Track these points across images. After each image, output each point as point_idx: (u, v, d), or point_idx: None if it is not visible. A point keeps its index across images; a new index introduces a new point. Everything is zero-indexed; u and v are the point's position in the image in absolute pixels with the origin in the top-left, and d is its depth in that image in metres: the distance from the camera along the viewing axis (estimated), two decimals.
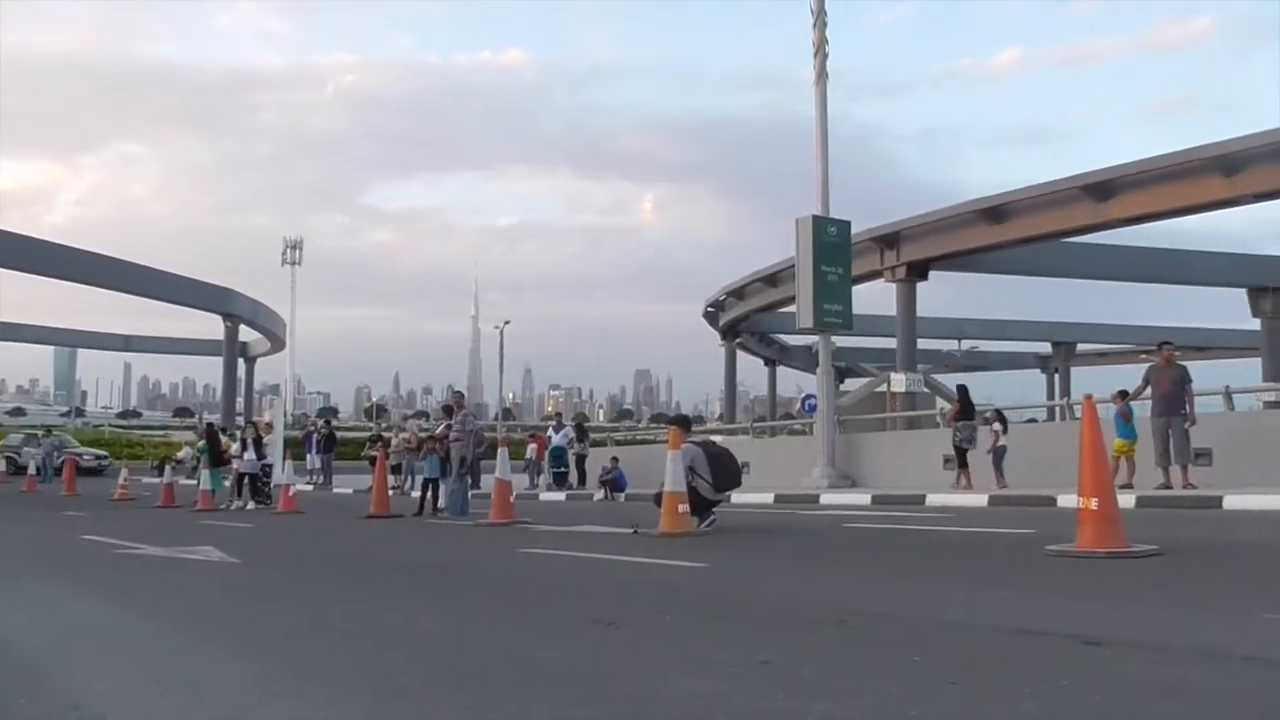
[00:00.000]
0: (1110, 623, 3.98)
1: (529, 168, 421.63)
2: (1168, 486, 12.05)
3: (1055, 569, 5.88)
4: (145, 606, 5.44)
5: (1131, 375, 13.46)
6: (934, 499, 13.77)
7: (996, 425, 15.11)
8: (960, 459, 15.26)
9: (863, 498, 14.76)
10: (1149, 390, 12.75)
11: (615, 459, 20.51)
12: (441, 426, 15.37)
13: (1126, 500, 9.77)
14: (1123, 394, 13.28)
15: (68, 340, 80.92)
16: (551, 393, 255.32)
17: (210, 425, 23.80)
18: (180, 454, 36.29)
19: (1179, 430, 12.20)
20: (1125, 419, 13.18)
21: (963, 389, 16.70)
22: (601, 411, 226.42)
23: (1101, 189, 26.24)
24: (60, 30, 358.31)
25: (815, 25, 17.53)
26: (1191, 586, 5.21)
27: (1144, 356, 63.18)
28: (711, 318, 50.03)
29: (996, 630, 3.83)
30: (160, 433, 73.63)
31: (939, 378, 47.67)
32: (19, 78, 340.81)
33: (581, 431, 24.48)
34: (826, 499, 15.28)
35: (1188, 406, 12.35)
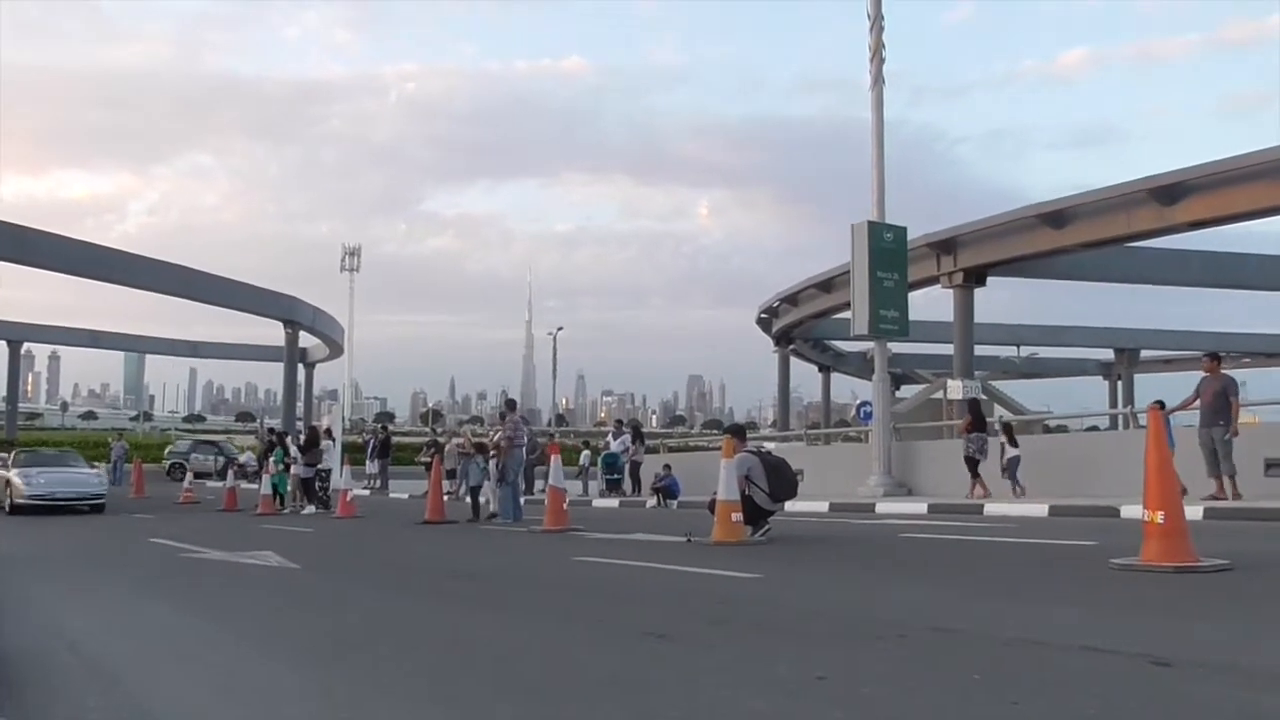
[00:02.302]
0: (1179, 641, 3.87)
1: (587, 174, 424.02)
2: (1218, 498, 11.84)
3: (1120, 583, 5.74)
4: (210, 612, 5.55)
5: (1198, 382, 13.18)
6: (992, 508, 13.53)
7: (1003, 439, 15.54)
8: (972, 469, 15.59)
9: (919, 506, 14.55)
10: (1199, 401, 12.62)
11: (668, 466, 20.47)
12: (494, 433, 15.50)
13: (1194, 512, 9.51)
14: (1159, 404, 13.23)
15: (139, 346, 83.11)
16: (604, 399, 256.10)
17: (276, 431, 24.24)
18: (242, 458, 37.20)
19: (1219, 441, 12.11)
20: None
21: (974, 403, 17.07)
22: (654, 417, 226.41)
23: (1168, 192, 25.59)
24: (135, 46, 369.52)
25: (872, 29, 17.37)
26: (1264, 603, 5.05)
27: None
28: (765, 324, 49.75)
29: (1060, 648, 3.74)
30: (223, 437, 75.24)
31: (998, 384, 46.96)
32: (97, 92, 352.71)
33: (639, 436, 24.42)
34: (882, 508, 15.10)
35: (1230, 417, 12.23)
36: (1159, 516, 5.99)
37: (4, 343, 65.42)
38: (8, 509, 17.72)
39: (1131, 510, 10.40)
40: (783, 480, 9.39)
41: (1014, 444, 15.52)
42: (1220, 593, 5.33)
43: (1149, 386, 56.24)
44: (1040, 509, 12.75)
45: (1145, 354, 59.52)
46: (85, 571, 8.14)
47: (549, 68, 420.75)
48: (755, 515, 9.17)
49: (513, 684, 3.34)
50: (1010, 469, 15.24)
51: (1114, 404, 55.72)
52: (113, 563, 9.01)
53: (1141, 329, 56.77)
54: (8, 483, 18.06)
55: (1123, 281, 37.17)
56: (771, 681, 3.25)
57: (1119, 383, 60.44)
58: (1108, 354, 61.34)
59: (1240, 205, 24.70)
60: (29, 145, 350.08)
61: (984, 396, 30.33)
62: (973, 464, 15.51)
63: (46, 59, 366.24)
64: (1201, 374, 13.12)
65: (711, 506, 9.31)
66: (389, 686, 3.38)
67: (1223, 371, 12.95)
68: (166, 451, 42.99)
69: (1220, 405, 12.28)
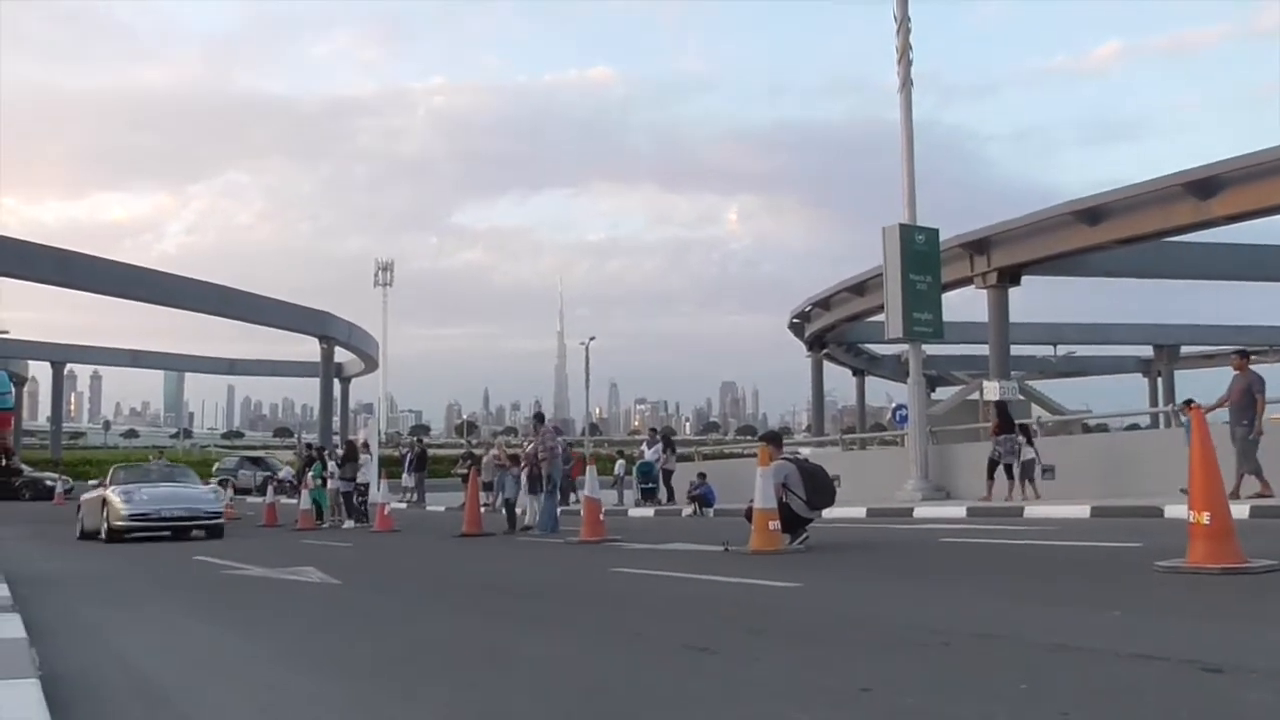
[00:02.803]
0: (1230, 646, 3.80)
1: (615, 183, 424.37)
2: (1264, 495, 11.78)
3: (1167, 586, 5.65)
4: (254, 629, 5.62)
5: (1262, 376, 13.01)
6: (1033, 511, 13.38)
7: (1020, 439, 15.61)
8: (990, 471, 15.61)
9: (958, 510, 14.42)
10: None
11: (703, 474, 20.44)
12: (527, 445, 15.58)
13: (1240, 511, 9.33)
14: (1188, 403, 13.36)
15: (178, 365, 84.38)
16: (638, 407, 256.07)
17: (313, 446, 24.49)
18: (281, 473, 37.66)
19: (1240, 439, 12.09)
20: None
21: (1001, 405, 17.06)
22: (688, 424, 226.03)
23: (1204, 186, 25.18)
24: (168, 67, 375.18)
25: (899, 32, 17.31)
26: None
27: (1254, 358, 60.56)
28: (797, 329, 49.54)
29: (1108, 654, 3.68)
30: (262, 452, 76.18)
31: (1035, 384, 46.40)
32: (132, 114, 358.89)
33: (669, 445, 24.42)
34: (920, 512, 14.97)
35: (1254, 415, 12.24)
36: (1205, 517, 5.89)
37: (48, 364, 66.69)
38: (104, 535, 14.79)
39: (1176, 510, 10.24)
40: (820, 487, 9.34)
41: (1031, 445, 15.68)
42: (1270, 595, 5.24)
43: (1189, 383, 55.29)
44: (1082, 510, 12.59)
45: (1185, 350, 58.58)
46: (131, 590, 8.26)
47: (575, 78, 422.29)
48: (793, 523, 9.13)
49: (555, 699, 3.35)
50: (1027, 470, 15.35)
51: (1154, 401, 54.86)
52: (158, 581, 9.14)
53: (1181, 324, 55.88)
54: (104, 503, 15.07)
55: (1160, 277, 36.65)
56: (815, 693, 3.23)
57: (1159, 380, 59.54)
58: (1147, 351, 60.45)
59: (1278, 197, 24.27)
60: (68, 169, 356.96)
61: (1021, 397, 30.11)
62: (993, 465, 15.62)
63: (82, 83, 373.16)
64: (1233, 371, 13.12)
65: (748, 515, 9.28)
66: (431, 703, 3.40)
67: (1250, 368, 12.95)
68: (215, 469, 43.57)
69: (1246, 403, 12.32)
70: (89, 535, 15.67)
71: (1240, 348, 13.52)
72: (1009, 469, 15.51)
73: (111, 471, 16.76)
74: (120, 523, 14.60)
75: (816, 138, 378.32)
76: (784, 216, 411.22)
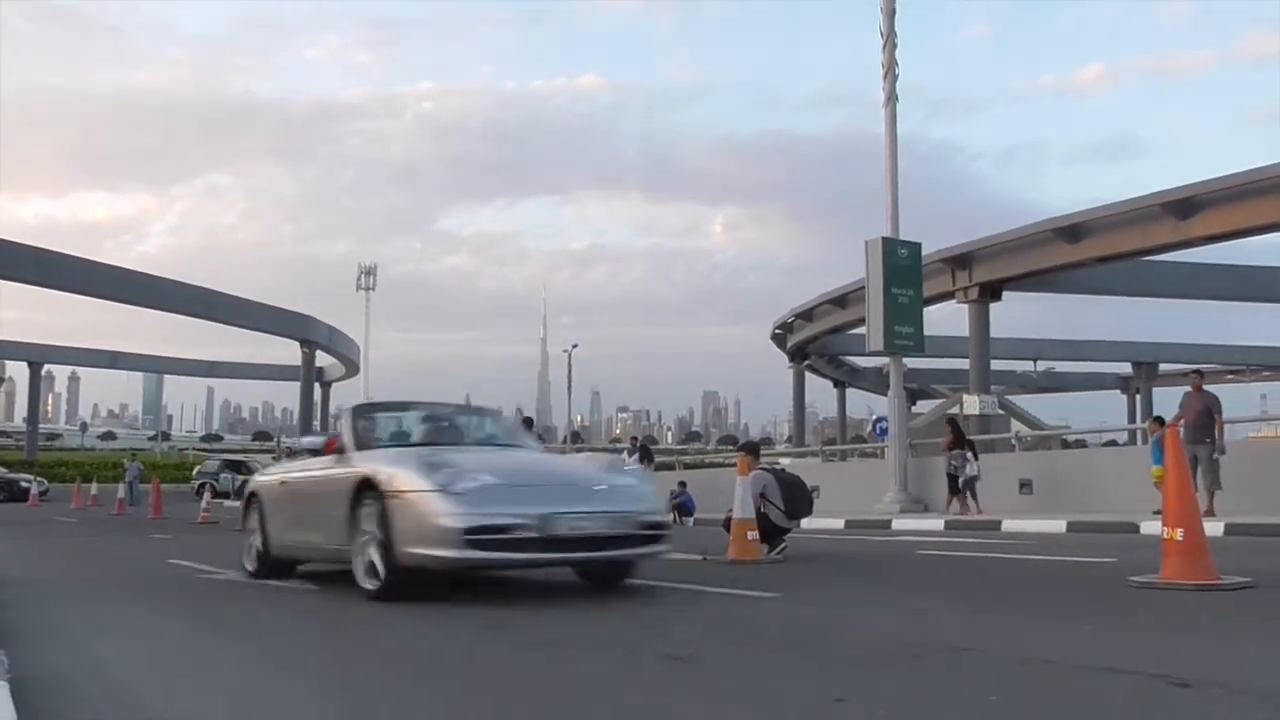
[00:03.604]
0: (1199, 661, 3.85)
1: (602, 191, 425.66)
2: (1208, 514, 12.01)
3: (1139, 602, 5.70)
4: (229, 634, 5.58)
5: (1218, 396, 13.29)
6: (1010, 525, 13.47)
7: (968, 454, 16.19)
8: (952, 486, 16.25)
9: (936, 523, 14.49)
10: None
11: (683, 483, 20.47)
12: None
13: (1214, 528, 9.43)
14: (1158, 420, 13.78)
15: (158, 367, 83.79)
16: (620, 415, 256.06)
17: (293, 450, 24.27)
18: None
19: (1205, 458, 12.40)
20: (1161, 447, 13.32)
21: (954, 421, 17.58)
22: (669, 434, 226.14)
23: (1183, 206, 25.50)
24: (157, 69, 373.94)
25: (885, 47, 17.44)
26: None
27: (1230, 377, 61.13)
28: (780, 340, 49.73)
29: (1078, 668, 3.72)
30: (239, 455, 75.62)
31: (1015, 399, 46.68)
32: (118, 114, 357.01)
33: (646, 454, 24.34)
34: (899, 524, 15.04)
35: (1216, 435, 12.62)
36: (1179, 533, 5.96)
37: (25, 364, 66.08)
38: (380, 575, 6.02)
39: (1151, 526, 10.34)
40: (798, 498, 9.39)
41: (975, 461, 16.37)
42: (1241, 611, 5.29)
43: (1167, 400, 55.73)
44: (1059, 525, 12.69)
45: (1164, 368, 59.18)
46: (104, 594, 8.18)
47: (565, 86, 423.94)
48: (771, 533, 9.17)
49: (531, 706, 3.35)
50: (969, 486, 15.95)
51: (1132, 418, 55.32)
52: (132, 585, 9.06)
53: (1160, 343, 56.48)
54: (377, 498, 5.97)
55: (1139, 295, 37.06)
56: (789, 703, 3.25)
57: (1137, 397, 60.08)
58: (1126, 368, 61.04)
59: (1255, 219, 24.61)
60: (51, 168, 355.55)
61: (1001, 412, 30.29)
62: (953, 480, 16.19)
63: (69, 82, 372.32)
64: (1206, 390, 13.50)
65: (726, 525, 9.30)
66: (404, 710, 3.39)
67: (1205, 389, 13.40)
68: (195, 471, 43.22)
69: (1205, 423, 12.72)
70: (279, 570, 7.96)
71: (1197, 368, 14.09)
72: (956, 483, 16.15)
73: (353, 418, 7.30)
74: (441, 551, 5.71)
75: (803, 150, 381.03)
76: (769, 228, 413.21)
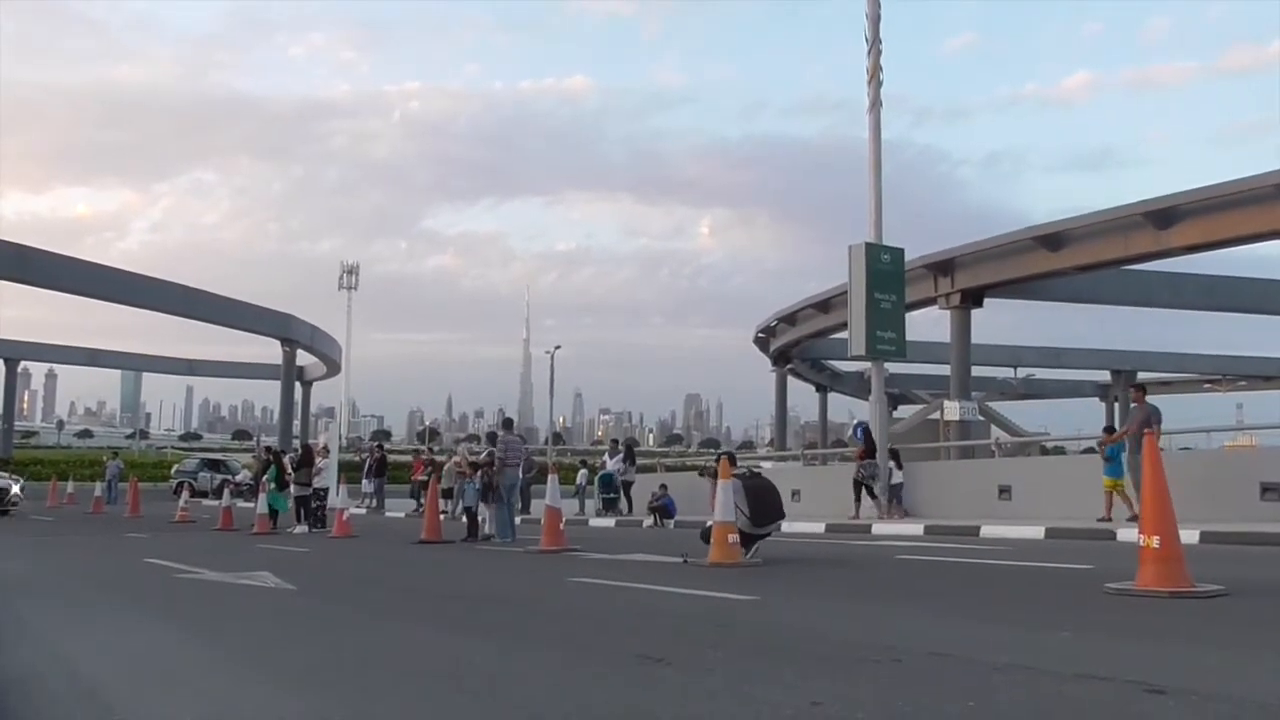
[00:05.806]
0: (1174, 668, 3.87)
1: (589, 193, 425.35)
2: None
3: (1115, 608, 5.73)
4: (206, 635, 5.54)
5: (1194, 404, 13.53)
6: (988, 530, 13.52)
7: (892, 463, 16.86)
8: (857, 493, 16.79)
9: (915, 528, 14.54)
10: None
11: (664, 486, 20.45)
12: (484, 453, 15.48)
13: (1189, 536, 9.50)
14: (1109, 430, 14.10)
15: (137, 365, 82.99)
16: (602, 417, 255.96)
17: (271, 449, 24.09)
18: (239, 476, 37.14)
19: (1135, 468, 12.54)
20: (1106, 459, 13.97)
21: (866, 429, 17.93)
22: (651, 436, 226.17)
23: (1163, 216, 25.69)
24: (141, 65, 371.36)
25: (869, 53, 17.48)
26: (1257, 630, 5.04)
27: (1207, 386, 61.73)
28: (763, 343, 49.80)
29: (1054, 674, 3.74)
30: (219, 454, 75.23)
31: (995, 405, 46.92)
32: (101, 111, 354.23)
33: (630, 455, 24.35)
34: (879, 529, 15.09)
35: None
36: (1155, 541, 6.00)
37: (1, 361, 65.33)
38: None
39: (1128, 534, 10.41)
40: (766, 505, 9.41)
41: (900, 468, 17.00)
42: (1216, 618, 5.34)
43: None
44: (1037, 531, 12.75)
45: (1142, 376, 59.64)
46: (81, 594, 8.11)
47: (552, 87, 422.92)
48: (741, 541, 9.17)
49: (509, 709, 3.34)
50: (896, 492, 16.61)
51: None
52: (108, 585, 8.98)
53: (1139, 351, 56.95)
54: None
55: (1119, 304, 37.29)
56: (767, 707, 3.24)
57: (1116, 404, 60.51)
58: (1105, 376, 61.48)
59: (1234, 230, 24.79)
60: (32, 163, 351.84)
61: (981, 417, 30.42)
62: (859, 487, 16.79)
63: (52, 77, 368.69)
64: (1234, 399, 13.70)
65: (704, 536, 9.34)
66: (381, 711, 3.37)
67: (1147, 401, 13.81)
68: (174, 470, 42.79)
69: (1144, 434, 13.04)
70: None
71: (1140, 383, 14.48)
72: (870, 490, 16.68)
73: None
74: None
75: (790, 154, 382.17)
76: (756, 231, 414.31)
